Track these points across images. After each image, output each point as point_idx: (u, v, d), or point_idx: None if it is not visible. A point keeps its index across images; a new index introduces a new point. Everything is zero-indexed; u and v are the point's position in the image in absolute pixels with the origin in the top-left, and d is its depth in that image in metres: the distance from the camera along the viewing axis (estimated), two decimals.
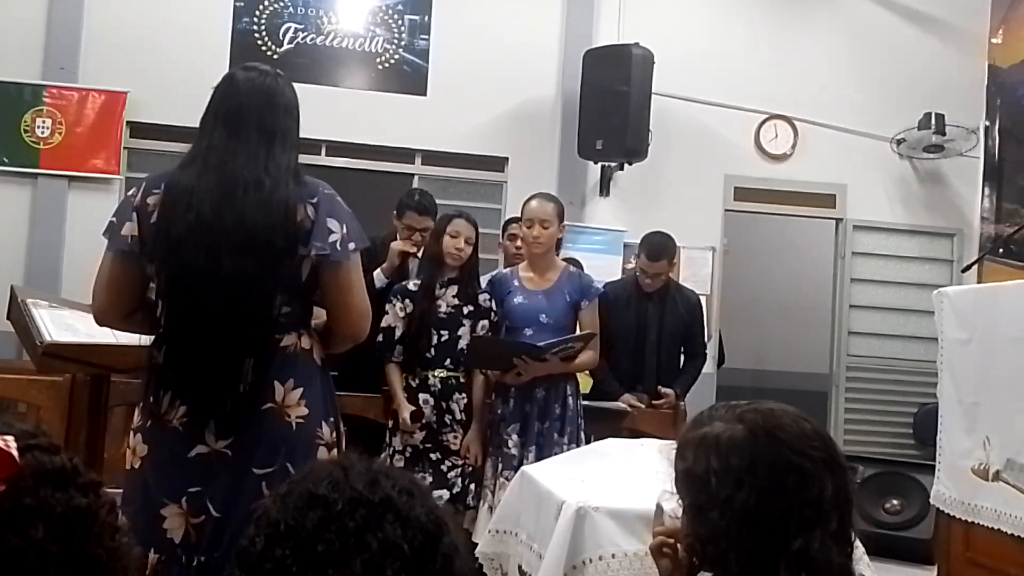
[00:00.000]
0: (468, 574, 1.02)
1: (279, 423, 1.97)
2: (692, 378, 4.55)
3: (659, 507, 1.52)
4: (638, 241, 4.74)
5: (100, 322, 2.13)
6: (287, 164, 2.01)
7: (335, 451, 2.07)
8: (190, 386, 1.96)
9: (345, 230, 2.00)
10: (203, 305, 1.93)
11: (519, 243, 3.90)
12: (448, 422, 3.42)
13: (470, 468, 3.42)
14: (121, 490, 3.07)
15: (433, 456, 3.39)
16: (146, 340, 2.05)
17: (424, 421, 3.38)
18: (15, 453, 0.95)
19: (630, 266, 5.83)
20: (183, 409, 1.96)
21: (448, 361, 3.44)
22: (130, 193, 2.07)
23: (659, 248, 4.42)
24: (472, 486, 3.43)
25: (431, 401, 3.41)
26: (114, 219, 2.04)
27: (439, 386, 3.42)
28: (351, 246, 2.01)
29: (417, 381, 3.43)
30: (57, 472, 0.97)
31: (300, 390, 2.00)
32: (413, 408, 3.36)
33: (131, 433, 2.05)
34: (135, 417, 2.06)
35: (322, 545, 0.93)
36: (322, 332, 2.11)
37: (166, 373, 1.98)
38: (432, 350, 3.43)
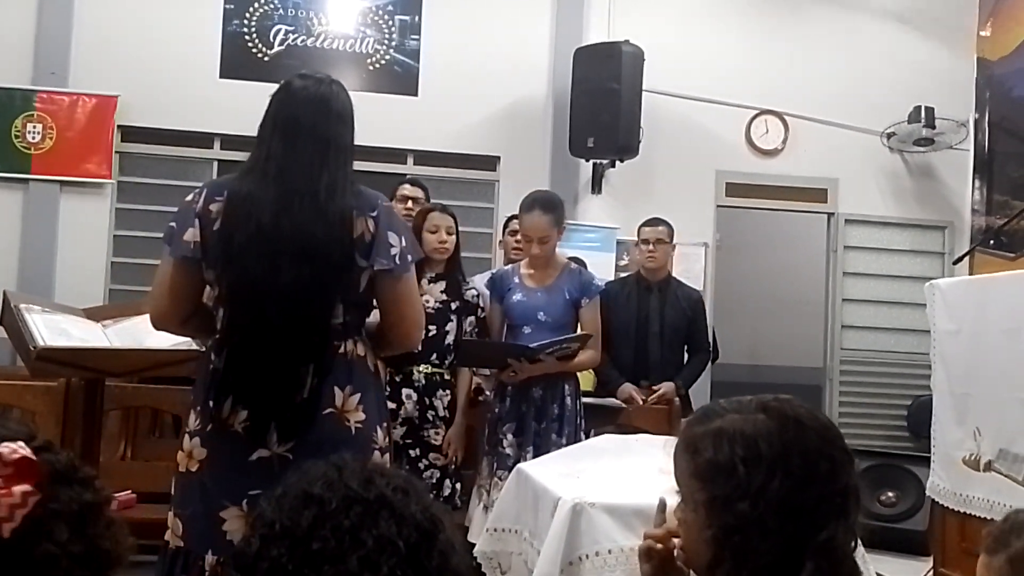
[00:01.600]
0: (464, 571, 1.02)
1: (340, 427, 2.02)
2: (696, 373, 4.58)
3: (662, 501, 1.49)
4: (631, 238, 4.76)
5: (158, 327, 2.16)
6: (343, 174, 2.05)
7: (387, 455, 2.12)
8: (252, 391, 1.98)
9: (404, 242, 2.06)
10: (263, 313, 1.96)
11: (519, 237, 3.87)
12: (431, 418, 3.40)
13: (452, 467, 3.41)
14: (118, 493, 3.10)
15: (412, 453, 3.37)
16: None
17: (406, 416, 3.37)
18: (34, 457, 0.92)
19: (623, 263, 5.85)
20: (244, 414, 1.98)
21: (434, 356, 3.42)
22: (189, 198, 2.08)
23: (655, 218, 4.54)
24: (457, 485, 3.41)
25: (414, 396, 3.39)
26: (174, 224, 2.06)
27: (423, 382, 3.41)
28: (409, 258, 2.07)
29: (401, 376, 3.40)
30: (64, 470, 0.95)
31: (358, 395, 2.05)
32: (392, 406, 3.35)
33: (186, 437, 2.06)
34: (190, 421, 2.07)
35: (318, 543, 0.93)
36: (372, 336, 2.14)
37: (227, 378, 2.00)
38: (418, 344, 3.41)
